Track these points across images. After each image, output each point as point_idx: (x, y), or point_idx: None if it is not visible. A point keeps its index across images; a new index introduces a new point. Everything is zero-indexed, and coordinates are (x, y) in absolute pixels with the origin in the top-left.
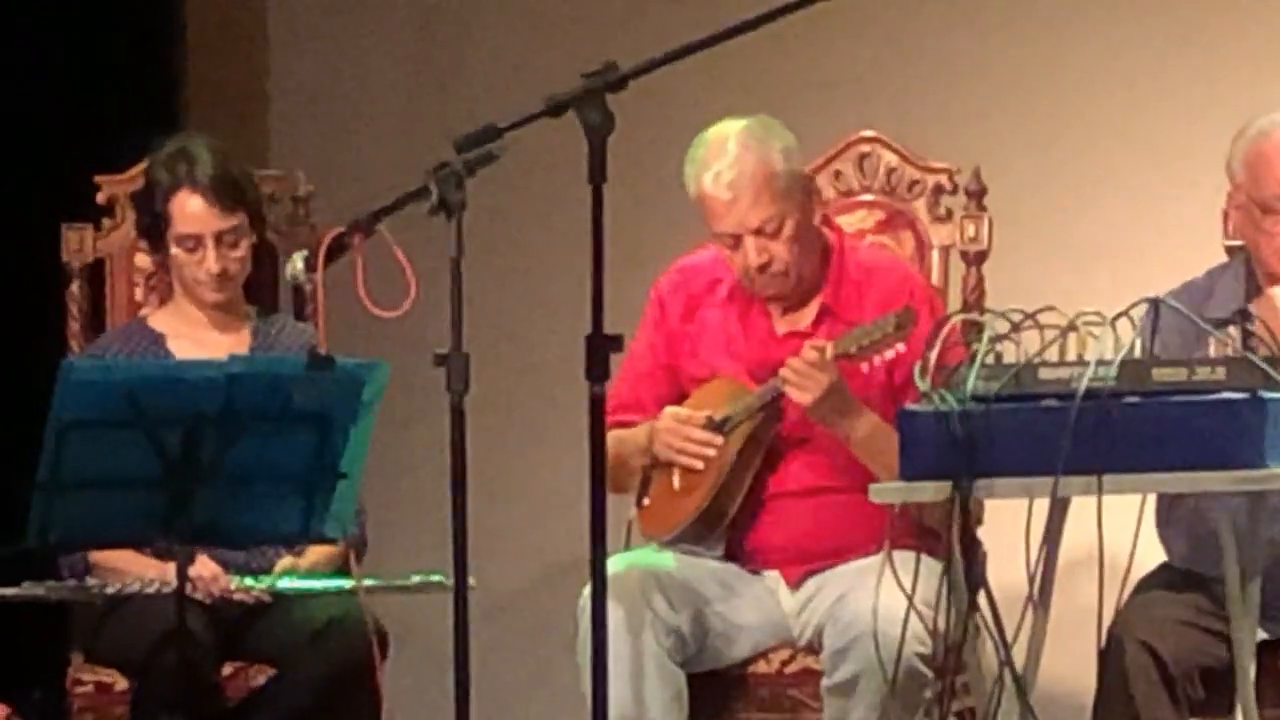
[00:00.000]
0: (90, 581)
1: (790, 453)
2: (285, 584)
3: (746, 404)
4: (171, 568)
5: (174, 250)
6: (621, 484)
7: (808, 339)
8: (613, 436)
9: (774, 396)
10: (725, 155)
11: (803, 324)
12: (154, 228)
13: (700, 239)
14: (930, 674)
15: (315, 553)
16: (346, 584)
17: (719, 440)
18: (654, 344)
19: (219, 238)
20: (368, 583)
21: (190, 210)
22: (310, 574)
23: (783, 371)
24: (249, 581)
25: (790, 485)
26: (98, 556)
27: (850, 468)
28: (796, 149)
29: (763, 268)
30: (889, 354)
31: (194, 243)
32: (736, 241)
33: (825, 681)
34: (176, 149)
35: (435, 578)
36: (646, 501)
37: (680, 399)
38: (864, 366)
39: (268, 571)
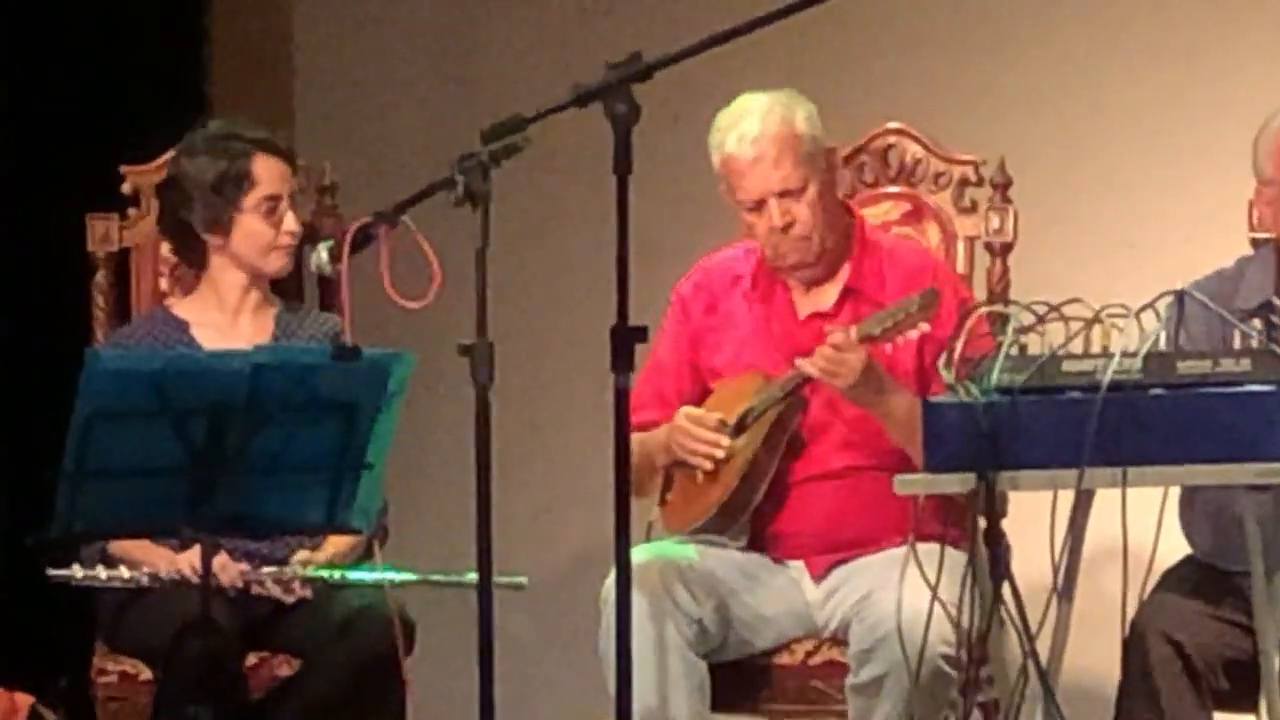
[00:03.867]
0: (125, 571)
1: (814, 440)
2: (322, 575)
3: (769, 394)
4: (184, 558)
5: (245, 218)
6: (644, 487)
7: (830, 319)
8: (634, 439)
9: (796, 385)
10: (749, 118)
11: (826, 303)
12: (217, 202)
13: (722, 233)
14: (956, 674)
15: (334, 544)
16: (392, 576)
17: (726, 441)
18: (677, 342)
19: (292, 198)
20: (403, 576)
21: (273, 171)
22: (337, 566)
23: (813, 360)
24: (291, 571)
25: (814, 471)
26: (115, 547)
27: (874, 453)
28: (819, 120)
29: (786, 228)
30: (913, 334)
31: (273, 204)
32: (759, 205)
33: (850, 680)
34: (223, 129)
35: (470, 576)
36: (669, 497)
37: (704, 395)
38: (888, 347)
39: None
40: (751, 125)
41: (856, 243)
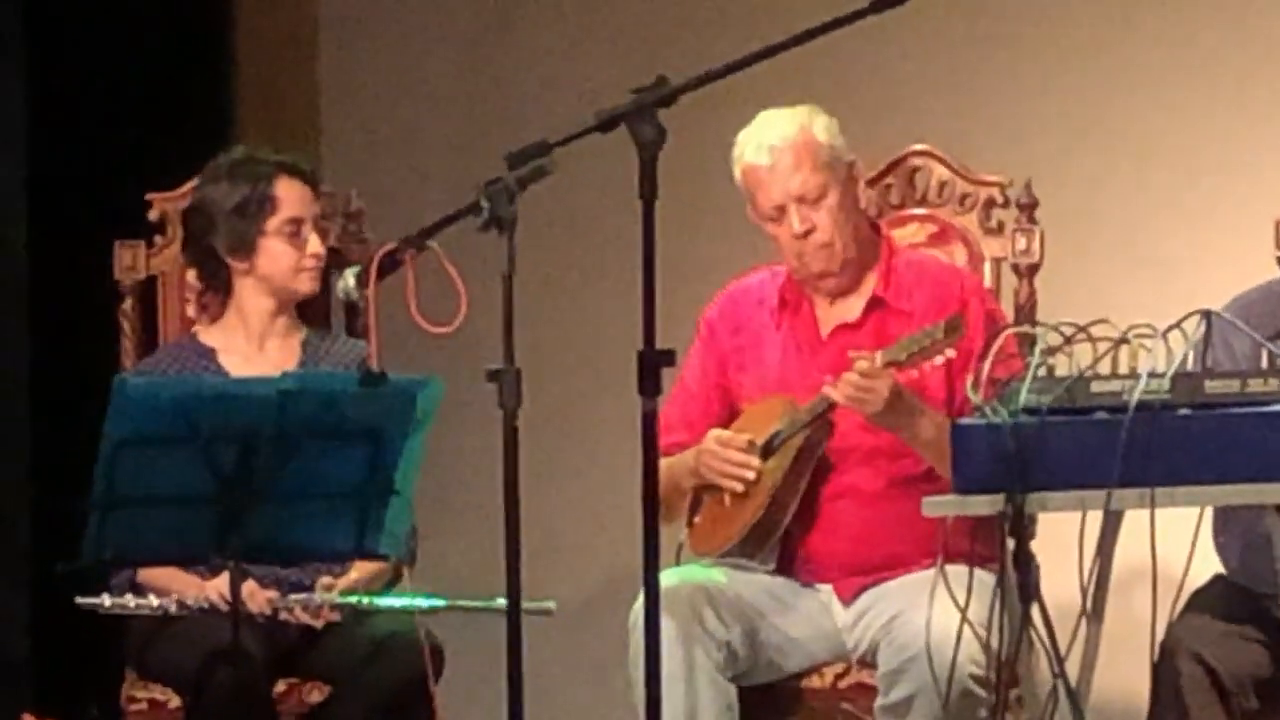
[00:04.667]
0: (154, 599)
1: (842, 462)
2: (350, 601)
3: (796, 418)
4: (213, 585)
5: (269, 242)
6: (672, 512)
7: (856, 330)
8: (662, 464)
9: (823, 409)
10: (768, 128)
11: (851, 315)
12: (240, 226)
13: (749, 256)
14: (985, 694)
15: (359, 569)
16: (420, 602)
17: (756, 462)
18: (705, 366)
19: (316, 222)
20: (431, 602)
21: (296, 194)
22: (366, 593)
23: (839, 388)
24: (319, 598)
25: (842, 493)
26: (144, 575)
27: (902, 474)
28: (839, 133)
29: (806, 234)
30: (938, 360)
31: (296, 227)
32: (780, 213)
33: (879, 701)
34: (246, 155)
35: (498, 601)
36: (697, 520)
37: (731, 418)
38: (913, 373)
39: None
40: (770, 134)
41: (883, 254)
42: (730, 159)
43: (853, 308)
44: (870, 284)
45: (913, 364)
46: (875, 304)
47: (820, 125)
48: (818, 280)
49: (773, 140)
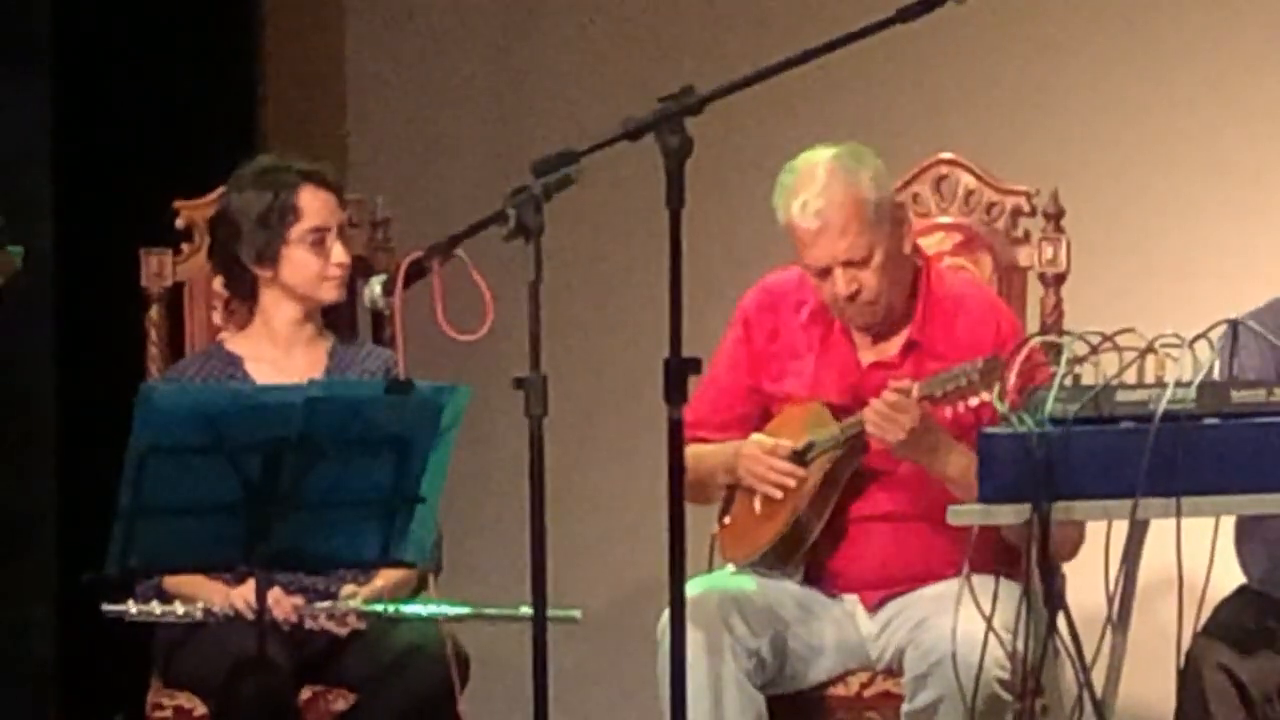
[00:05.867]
0: (180, 606)
1: (873, 481)
2: (376, 609)
3: (831, 434)
4: (239, 592)
5: (293, 251)
6: (702, 497)
7: (893, 370)
8: (691, 452)
9: (859, 430)
10: (814, 183)
11: (889, 354)
12: (264, 235)
13: (778, 262)
14: (1011, 698)
15: (384, 576)
16: (446, 609)
17: (801, 472)
18: (736, 363)
19: (340, 230)
20: (457, 610)
21: (319, 203)
22: (392, 601)
23: (866, 413)
24: (345, 605)
25: (871, 512)
26: (169, 582)
27: (930, 496)
28: (885, 175)
29: (852, 297)
30: (973, 401)
31: (319, 235)
32: (825, 271)
33: (905, 707)
34: (271, 164)
35: (524, 609)
36: (728, 520)
37: (763, 418)
38: (948, 411)
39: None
40: (815, 193)
41: (921, 295)
42: (772, 194)
43: (891, 347)
44: (909, 327)
45: (949, 401)
46: (911, 346)
47: (867, 178)
48: (858, 327)
49: (819, 204)
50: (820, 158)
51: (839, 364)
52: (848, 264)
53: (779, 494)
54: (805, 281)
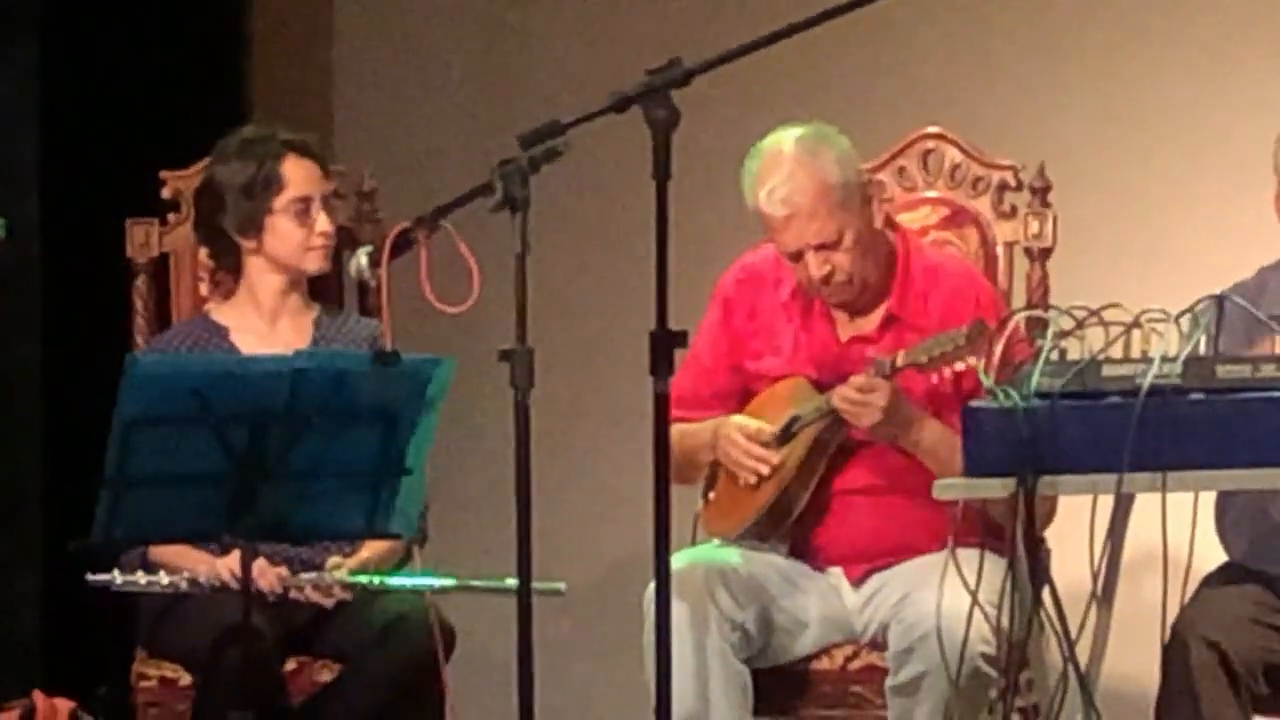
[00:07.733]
0: (165, 577)
1: (856, 454)
2: (361, 580)
3: (816, 405)
4: (224, 563)
5: (277, 220)
6: (687, 477)
7: (873, 344)
8: (676, 430)
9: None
10: (779, 170)
11: (868, 329)
12: (248, 205)
13: (764, 235)
14: (995, 674)
15: (370, 548)
16: (431, 581)
17: (775, 458)
18: (717, 342)
19: (325, 200)
20: (442, 582)
21: (303, 172)
22: (377, 572)
23: (836, 401)
24: (330, 576)
25: (855, 485)
26: (155, 552)
27: (915, 469)
28: (852, 154)
29: (826, 279)
30: (959, 366)
31: (304, 205)
32: (798, 255)
33: (889, 681)
34: (255, 134)
35: (509, 581)
36: (712, 496)
37: (744, 396)
38: (934, 378)
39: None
40: (781, 180)
41: (899, 267)
42: (741, 176)
43: (869, 321)
44: (887, 301)
45: (934, 367)
46: (891, 320)
47: (831, 161)
48: (835, 304)
49: (784, 191)
50: (785, 142)
51: (818, 340)
52: (819, 247)
53: (753, 479)
54: (781, 262)
